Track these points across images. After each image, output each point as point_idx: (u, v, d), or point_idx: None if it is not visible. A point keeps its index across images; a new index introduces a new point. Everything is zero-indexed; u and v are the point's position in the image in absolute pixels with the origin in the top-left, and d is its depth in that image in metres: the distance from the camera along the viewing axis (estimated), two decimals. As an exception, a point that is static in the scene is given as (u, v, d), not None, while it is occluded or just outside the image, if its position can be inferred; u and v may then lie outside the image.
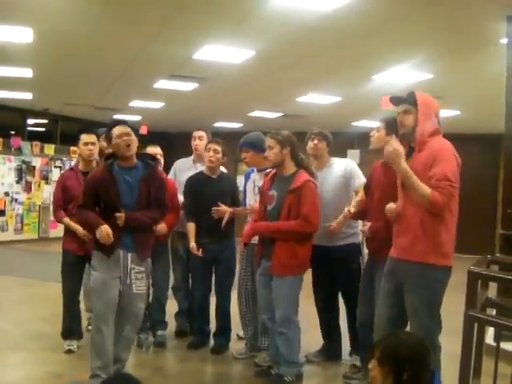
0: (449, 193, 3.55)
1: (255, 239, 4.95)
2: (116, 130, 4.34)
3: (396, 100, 3.92)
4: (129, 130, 4.37)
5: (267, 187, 4.82)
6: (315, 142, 5.16)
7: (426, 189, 3.56)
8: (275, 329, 4.66)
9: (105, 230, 4.19)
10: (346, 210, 4.86)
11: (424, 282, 3.66)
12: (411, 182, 3.62)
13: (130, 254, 4.35)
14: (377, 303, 4.18)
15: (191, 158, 6.15)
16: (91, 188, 4.39)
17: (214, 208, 5.28)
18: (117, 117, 14.32)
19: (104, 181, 4.32)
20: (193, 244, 5.38)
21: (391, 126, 4.48)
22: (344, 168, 5.16)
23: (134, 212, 4.32)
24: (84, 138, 5.31)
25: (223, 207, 5.31)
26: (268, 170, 5.10)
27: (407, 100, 3.81)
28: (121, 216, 4.25)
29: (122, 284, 4.34)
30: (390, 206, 3.89)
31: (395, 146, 3.69)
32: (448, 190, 3.55)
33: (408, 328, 3.83)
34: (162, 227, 5.30)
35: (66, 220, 5.26)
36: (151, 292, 5.63)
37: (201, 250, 5.33)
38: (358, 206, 4.83)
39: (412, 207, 3.70)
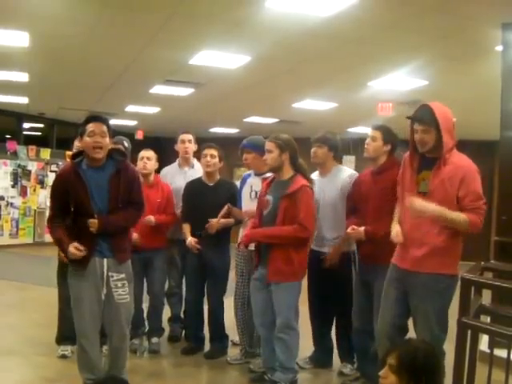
0: (483, 211, 3.62)
1: (252, 245, 4.92)
2: (89, 127, 4.02)
3: (413, 119, 3.82)
4: (104, 129, 4.04)
5: (264, 192, 4.79)
6: (313, 149, 5.09)
7: (461, 217, 3.58)
8: (275, 334, 4.62)
9: (73, 250, 3.95)
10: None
11: (439, 292, 3.68)
12: (448, 219, 3.61)
13: (105, 260, 4.10)
14: (375, 309, 4.19)
15: (176, 163, 6.11)
16: (60, 191, 4.08)
17: (207, 225, 5.28)
18: (113, 122, 14.35)
19: (73, 184, 3.99)
20: (190, 239, 5.40)
21: (388, 135, 4.51)
22: (344, 180, 5.02)
23: (108, 215, 4.05)
24: (77, 143, 5.29)
25: (214, 221, 5.29)
26: (267, 175, 5.11)
27: (425, 120, 3.72)
28: (94, 222, 3.98)
29: (102, 294, 4.14)
30: (396, 231, 3.88)
31: (418, 205, 3.65)
32: (483, 208, 3.62)
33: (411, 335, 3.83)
34: (149, 220, 5.33)
35: None
36: (147, 299, 5.63)
37: (197, 244, 5.36)
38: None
39: (426, 222, 3.68)
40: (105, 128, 4.06)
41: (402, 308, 3.84)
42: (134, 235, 5.15)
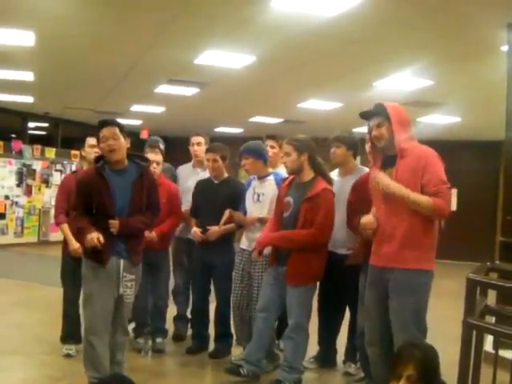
0: (448, 196, 3.64)
1: (267, 249, 4.86)
2: (101, 133, 4.16)
3: (366, 115, 3.93)
4: (116, 131, 4.15)
5: (284, 194, 4.75)
6: (332, 150, 5.04)
7: (426, 199, 3.59)
8: (285, 334, 4.64)
9: (94, 236, 3.99)
10: None
11: (413, 288, 3.66)
12: (411, 199, 3.63)
13: (122, 261, 4.21)
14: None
15: (191, 163, 6.17)
16: (84, 191, 4.18)
17: (206, 234, 5.30)
18: (119, 121, 14.37)
19: (97, 185, 4.12)
20: (195, 229, 5.42)
21: None
22: None
23: (128, 217, 4.17)
24: (90, 140, 5.31)
25: (214, 229, 5.30)
26: (269, 178, 5.12)
27: (378, 113, 3.84)
28: (114, 223, 4.10)
29: (116, 293, 4.22)
30: (368, 219, 3.89)
31: (379, 179, 3.74)
32: (447, 192, 3.63)
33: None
34: (152, 236, 5.31)
35: (65, 227, 5.23)
36: (149, 298, 5.61)
37: (202, 233, 5.34)
38: None
39: (395, 216, 3.70)
40: (116, 130, 4.18)
41: (384, 308, 3.79)
42: (153, 234, 5.26)
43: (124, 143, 4.21)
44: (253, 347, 4.80)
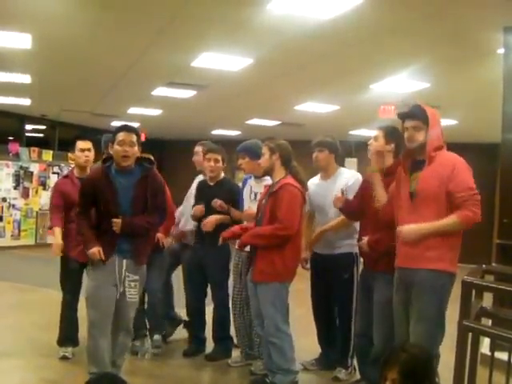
0: (476, 201, 3.61)
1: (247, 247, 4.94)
2: (119, 136, 4.24)
3: (404, 116, 3.89)
4: (133, 139, 4.24)
5: (262, 197, 4.83)
6: (314, 154, 5.11)
7: (451, 220, 3.62)
8: (266, 338, 4.64)
9: (96, 253, 4.18)
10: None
11: (434, 289, 3.67)
12: (441, 229, 3.65)
13: (125, 261, 4.27)
14: (375, 314, 4.18)
15: None
16: (89, 190, 4.30)
17: (202, 225, 5.31)
18: (115, 124, 14.37)
19: (101, 185, 4.22)
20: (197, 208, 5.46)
21: (390, 134, 4.47)
22: (345, 183, 4.99)
23: (131, 217, 4.23)
24: (80, 144, 5.33)
25: (211, 218, 5.30)
26: (266, 178, 5.14)
27: (418, 116, 3.80)
28: (117, 222, 4.18)
29: (117, 291, 4.29)
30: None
31: (406, 232, 3.73)
32: (474, 198, 3.61)
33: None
34: (161, 236, 5.42)
35: (56, 230, 5.27)
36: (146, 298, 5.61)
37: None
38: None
39: (420, 216, 3.70)
40: (134, 137, 4.27)
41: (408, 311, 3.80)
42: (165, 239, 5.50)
43: (137, 151, 4.30)
44: (266, 357, 4.80)
